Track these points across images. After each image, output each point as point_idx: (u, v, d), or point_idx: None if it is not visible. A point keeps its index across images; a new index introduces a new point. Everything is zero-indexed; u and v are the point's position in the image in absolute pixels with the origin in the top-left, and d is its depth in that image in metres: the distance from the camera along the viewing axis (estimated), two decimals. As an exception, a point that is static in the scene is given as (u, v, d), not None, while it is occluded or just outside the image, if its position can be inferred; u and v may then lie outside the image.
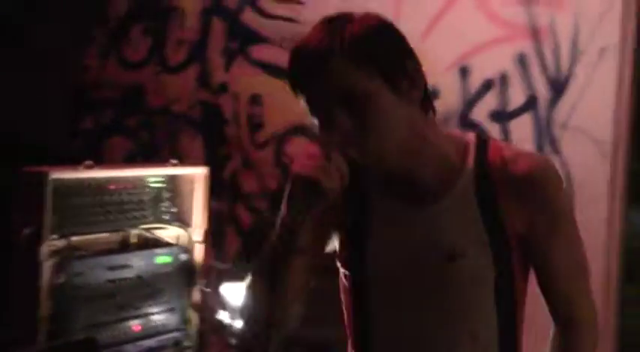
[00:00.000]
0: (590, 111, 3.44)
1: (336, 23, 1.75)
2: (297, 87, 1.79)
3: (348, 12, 1.80)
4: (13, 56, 4.30)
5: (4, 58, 4.27)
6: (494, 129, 3.59)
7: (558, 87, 3.50)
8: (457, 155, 1.83)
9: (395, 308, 1.88)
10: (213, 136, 4.12)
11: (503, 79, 3.59)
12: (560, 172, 1.88)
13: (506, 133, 3.59)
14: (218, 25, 4.10)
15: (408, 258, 1.84)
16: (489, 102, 3.61)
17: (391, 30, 1.78)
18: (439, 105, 3.54)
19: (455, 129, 1.84)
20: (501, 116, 3.60)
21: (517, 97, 3.57)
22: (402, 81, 1.74)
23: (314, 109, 1.77)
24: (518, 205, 1.79)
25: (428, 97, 1.83)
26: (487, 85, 3.60)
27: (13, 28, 4.34)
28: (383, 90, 1.72)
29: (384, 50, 1.73)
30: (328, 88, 1.72)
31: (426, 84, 1.82)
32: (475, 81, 3.64)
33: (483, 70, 3.61)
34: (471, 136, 1.88)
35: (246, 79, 4.06)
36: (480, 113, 3.63)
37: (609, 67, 3.41)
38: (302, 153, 1.78)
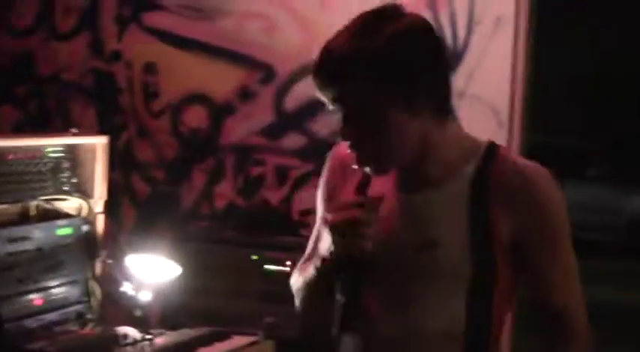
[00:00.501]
0: (486, 80, 3.53)
1: (366, 29, 1.76)
2: (315, 79, 1.80)
3: (387, 7, 1.80)
4: None
5: None
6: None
7: (455, 56, 3.57)
8: (462, 158, 1.87)
9: (377, 287, 1.92)
10: (107, 105, 4.04)
11: (402, 48, 3.62)
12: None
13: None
14: (109, -9, 4.01)
15: (388, 241, 1.88)
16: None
17: (419, 40, 1.79)
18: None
19: (471, 134, 1.92)
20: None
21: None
22: (419, 96, 1.77)
23: (333, 110, 1.81)
24: (511, 214, 1.84)
25: (447, 101, 1.85)
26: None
27: None
28: (397, 108, 1.76)
29: (406, 68, 1.76)
30: (344, 99, 1.77)
31: (446, 89, 1.84)
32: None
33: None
34: (484, 142, 1.90)
35: (140, 47, 3.99)
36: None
37: (504, 37, 3.50)
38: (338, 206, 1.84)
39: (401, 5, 1.81)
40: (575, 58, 12.36)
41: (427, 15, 3.54)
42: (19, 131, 4.11)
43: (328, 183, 2.01)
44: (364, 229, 1.79)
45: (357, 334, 1.93)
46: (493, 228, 1.84)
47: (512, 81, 3.50)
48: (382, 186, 1.89)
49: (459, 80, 3.55)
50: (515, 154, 2.01)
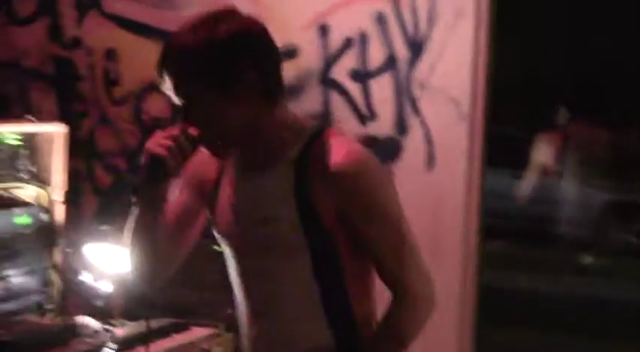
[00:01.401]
0: (448, 71, 3.53)
1: (200, 25, 2.08)
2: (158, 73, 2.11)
3: (215, 12, 2.11)
4: None
5: None
6: (354, 89, 3.64)
7: (417, 47, 3.57)
8: (289, 141, 2.13)
9: (235, 262, 2.26)
10: (67, 92, 4.00)
11: (363, 38, 3.63)
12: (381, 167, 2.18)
13: (366, 93, 3.64)
14: (70, -24, 3.96)
15: (232, 220, 2.20)
16: (349, 61, 3.64)
17: (244, 39, 2.08)
18: (298, 63, 3.60)
19: (302, 116, 2.24)
20: (361, 75, 3.64)
21: (377, 57, 3.62)
22: (238, 87, 2.06)
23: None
24: (330, 194, 2.08)
25: (274, 89, 2.12)
26: (347, 44, 3.63)
27: None
28: (215, 96, 2.06)
29: (226, 64, 2.05)
30: (176, 87, 2.07)
31: (272, 78, 2.12)
32: (334, 39, 3.66)
33: (343, 28, 3.64)
34: (310, 124, 2.19)
35: (101, 33, 3.95)
36: (340, 72, 3.66)
37: (466, 28, 3.50)
38: (159, 132, 2.10)
39: (235, 9, 2.13)
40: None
41: (388, 6, 3.55)
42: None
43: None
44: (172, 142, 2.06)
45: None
46: (319, 207, 2.08)
47: (474, 73, 3.51)
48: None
49: (420, 72, 3.55)
50: (341, 138, 2.16)
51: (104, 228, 3.47)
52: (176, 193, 2.27)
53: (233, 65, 2.06)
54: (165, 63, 2.07)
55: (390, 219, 2.14)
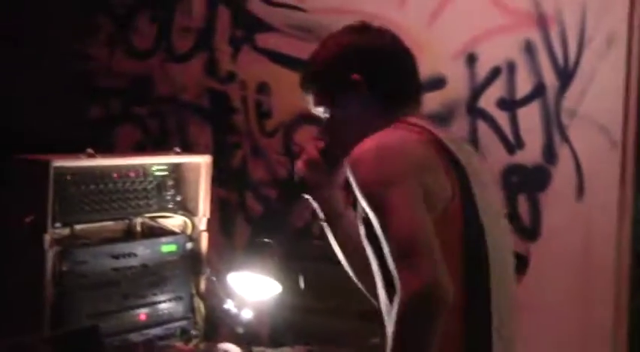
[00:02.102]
0: (598, 98, 3.42)
1: (324, 42, 2.25)
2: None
3: (344, 27, 2.26)
4: (13, 46, 4.32)
5: (4, 48, 4.30)
6: (502, 118, 3.57)
7: (566, 75, 3.48)
8: None
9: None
10: (222, 125, 4.12)
11: (511, 67, 3.56)
12: (377, 154, 2.05)
13: (514, 122, 3.57)
14: (224, 13, 4.09)
15: None
16: (497, 90, 3.59)
17: (351, 52, 2.19)
18: (445, 93, 3.58)
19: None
20: (509, 104, 3.58)
21: (525, 85, 3.55)
22: (346, 98, 2.18)
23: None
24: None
25: (393, 101, 2.20)
26: (494, 73, 3.58)
27: (12, 19, 4.36)
28: (331, 107, 2.21)
29: (333, 75, 2.19)
30: (316, 103, 2.24)
31: (393, 88, 2.21)
32: (482, 69, 3.61)
33: (490, 57, 3.59)
34: None
35: (254, 68, 4.05)
36: (488, 101, 3.61)
37: (617, 54, 3.38)
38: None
39: (366, 23, 2.25)
40: None
41: (537, 35, 3.48)
42: (140, 150, 4.23)
43: None
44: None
45: None
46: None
47: (625, 100, 3.38)
48: None
49: (569, 100, 3.46)
50: (379, 133, 2.11)
51: (255, 256, 3.55)
52: None
53: (342, 76, 2.17)
54: (302, 78, 2.27)
55: (383, 213, 2.00)
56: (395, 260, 1.96)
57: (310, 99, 2.25)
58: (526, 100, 3.55)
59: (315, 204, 2.36)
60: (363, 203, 2.06)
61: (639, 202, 3.44)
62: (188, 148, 3.82)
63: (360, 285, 2.38)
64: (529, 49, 3.52)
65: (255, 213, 4.09)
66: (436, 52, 3.59)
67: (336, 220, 2.33)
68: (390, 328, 2.00)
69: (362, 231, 2.14)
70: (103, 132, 4.29)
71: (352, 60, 2.18)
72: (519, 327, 2.21)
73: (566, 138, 3.48)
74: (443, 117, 3.62)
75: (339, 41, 2.21)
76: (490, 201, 2.17)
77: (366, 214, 2.06)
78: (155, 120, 4.27)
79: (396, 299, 1.95)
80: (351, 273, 2.39)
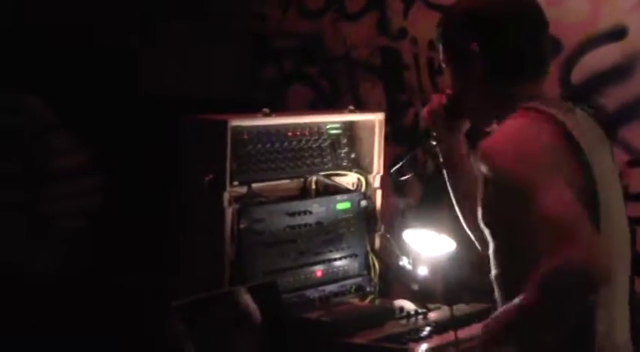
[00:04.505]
0: None
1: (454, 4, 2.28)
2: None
3: None
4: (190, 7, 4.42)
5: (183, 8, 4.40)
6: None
7: None
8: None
9: None
10: (393, 83, 4.09)
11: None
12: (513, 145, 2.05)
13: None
14: (395, -30, 4.05)
15: None
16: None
17: (473, 15, 2.19)
18: (626, 44, 3.43)
19: (551, 97, 2.27)
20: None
21: None
22: (463, 59, 2.19)
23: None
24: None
25: (513, 66, 2.18)
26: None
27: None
28: (451, 64, 2.25)
29: (453, 35, 2.23)
30: (442, 45, 2.28)
31: (528, 51, 2.19)
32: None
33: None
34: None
35: (425, 24, 3.99)
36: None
37: None
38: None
39: None
40: None
41: None
42: (313, 109, 4.27)
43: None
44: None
45: None
46: None
47: None
48: None
49: None
50: (511, 121, 2.12)
51: (428, 212, 3.54)
52: None
53: (461, 38, 2.19)
54: (440, 27, 2.30)
55: (528, 191, 1.97)
56: (552, 239, 1.90)
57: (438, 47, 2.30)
58: None
59: (437, 149, 2.47)
60: (494, 188, 2.07)
61: None
62: (360, 107, 3.80)
63: (469, 233, 2.45)
64: None
65: (427, 169, 4.05)
66: (616, 2, 3.44)
67: (455, 165, 2.42)
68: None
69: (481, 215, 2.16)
70: (276, 93, 4.34)
71: (471, 29, 2.18)
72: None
73: None
74: (623, 69, 3.48)
75: (464, 5, 2.24)
76: (611, 203, 2.13)
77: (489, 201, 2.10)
78: (327, 80, 4.29)
79: (543, 270, 1.89)
80: (461, 219, 2.46)
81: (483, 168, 2.08)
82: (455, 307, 3.16)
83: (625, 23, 3.45)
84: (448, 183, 2.46)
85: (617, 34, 3.47)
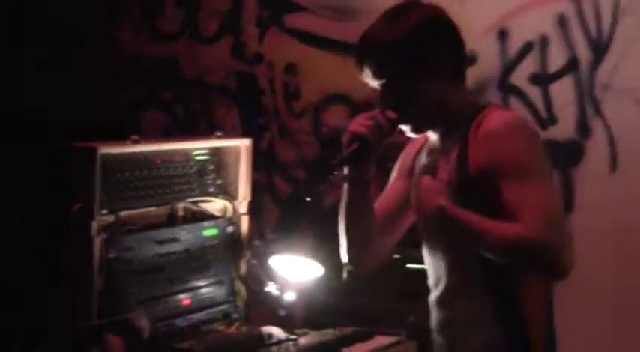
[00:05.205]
0: (632, 72, 3.42)
1: (393, 18, 2.27)
2: (357, 65, 2.31)
3: (401, 5, 2.31)
4: (37, 32, 4.29)
5: (30, 32, 4.27)
6: (534, 93, 3.57)
7: (599, 48, 3.47)
8: (465, 118, 2.26)
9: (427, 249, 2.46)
10: (249, 106, 4.10)
11: (543, 42, 3.56)
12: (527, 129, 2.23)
13: (547, 97, 3.56)
14: (251, -6, 4.07)
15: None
16: (529, 65, 3.58)
17: (437, 24, 2.27)
18: (477, 70, 3.57)
19: (477, 97, 2.53)
20: (542, 79, 3.57)
21: (557, 60, 3.55)
22: (436, 67, 2.24)
23: (370, 84, 2.30)
24: (482, 156, 2.18)
25: (461, 67, 2.33)
26: (526, 48, 3.57)
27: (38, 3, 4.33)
28: (419, 77, 2.24)
29: (425, 48, 2.24)
30: (373, 73, 2.26)
31: (460, 56, 2.32)
32: (514, 44, 3.61)
33: (522, 32, 3.58)
34: (481, 102, 2.39)
35: (281, 49, 4.04)
36: (520, 77, 3.60)
37: (651, 26, 3.38)
38: (361, 115, 2.32)
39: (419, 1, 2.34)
40: None
41: (570, 8, 3.47)
42: (167, 135, 4.22)
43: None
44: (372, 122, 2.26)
45: None
46: (473, 171, 2.21)
47: (660, 72, 3.38)
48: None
49: (603, 74, 3.46)
50: (500, 110, 2.30)
51: (285, 238, 3.55)
52: (390, 182, 2.50)
53: (429, 49, 2.23)
54: (366, 55, 2.27)
55: (531, 176, 2.14)
56: (540, 218, 2.07)
57: (380, 70, 2.26)
58: (559, 75, 3.56)
59: (356, 165, 2.33)
60: (498, 167, 2.14)
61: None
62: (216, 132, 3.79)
63: (347, 257, 2.45)
64: (562, 22, 3.51)
65: (283, 194, 4.08)
66: (467, 28, 3.53)
67: (366, 184, 2.35)
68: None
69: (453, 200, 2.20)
70: (131, 118, 4.27)
71: (437, 33, 2.26)
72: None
73: (599, 113, 3.48)
74: (475, 94, 3.61)
75: (421, 16, 2.26)
76: None
77: (474, 184, 2.18)
78: (181, 104, 4.25)
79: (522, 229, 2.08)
80: (345, 244, 2.44)
81: (489, 148, 2.16)
82: (323, 331, 3.20)
83: (475, 49, 3.59)
84: (347, 205, 2.39)
85: (468, 60, 3.60)
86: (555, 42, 3.53)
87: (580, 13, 3.48)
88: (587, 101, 3.50)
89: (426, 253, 2.42)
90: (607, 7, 3.43)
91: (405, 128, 2.32)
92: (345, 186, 2.37)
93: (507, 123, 2.21)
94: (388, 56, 2.24)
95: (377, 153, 2.30)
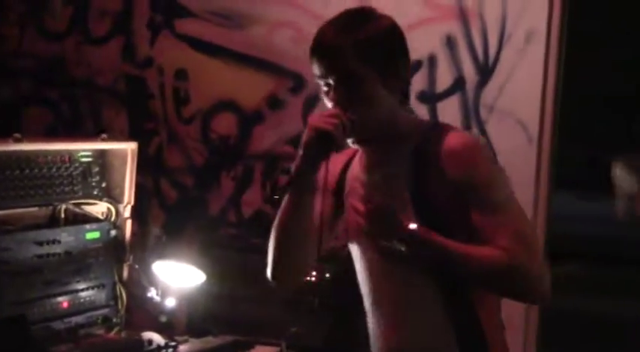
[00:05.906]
0: (517, 94, 3.51)
1: (356, 20, 2.20)
2: (312, 58, 2.19)
3: (367, 8, 2.26)
4: None
5: None
6: (422, 111, 3.63)
7: (486, 69, 3.56)
8: (411, 136, 2.23)
9: (364, 263, 2.37)
10: (138, 110, 4.06)
11: (432, 61, 3.63)
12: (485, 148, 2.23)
13: (434, 114, 3.63)
14: (143, -4, 4.03)
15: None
16: (417, 83, 3.64)
17: (394, 34, 2.22)
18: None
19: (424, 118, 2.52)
20: (429, 97, 3.64)
21: (445, 79, 3.62)
22: (392, 77, 2.19)
23: (321, 78, 2.19)
24: (443, 177, 2.13)
25: (407, 88, 2.27)
26: (415, 66, 3.63)
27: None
28: (375, 81, 2.17)
29: (384, 54, 2.18)
30: (335, 68, 2.16)
31: (408, 77, 2.27)
32: (403, 62, 3.66)
33: (411, 51, 3.62)
34: (428, 121, 2.42)
35: (172, 53, 4.01)
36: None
37: (536, 50, 3.48)
38: (322, 112, 2.19)
39: (374, 9, 2.25)
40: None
41: (458, 29, 3.55)
42: (51, 134, 4.14)
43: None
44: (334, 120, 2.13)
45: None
46: (430, 192, 2.16)
47: (543, 95, 3.48)
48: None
49: (488, 95, 3.54)
50: (457, 130, 2.25)
51: (171, 243, 3.53)
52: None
53: (396, 51, 2.21)
54: (332, 46, 2.15)
55: (496, 193, 2.15)
56: (516, 237, 2.09)
57: (339, 71, 2.15)
58: (446, 94, 3.63)
59: (312, 165, 2.18)
60: (474, 180, 2.12)
61: (553, 200, 3.54)
62: (106, 133, 3.73)
63: (273, 268, 2.29)
64: (450, 43, 3.59)
65: (170, 200, 4.05)
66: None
67: (312, 188, 2.21)
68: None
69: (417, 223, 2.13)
70: (11, 115, 4.17)
71: (400, 42, 2.23)
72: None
73: (484, 133, 3.55)
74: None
75: (388, 22, 2.22)
76: None
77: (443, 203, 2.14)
78: (67, 104, 4.18)
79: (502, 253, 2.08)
80: (274, 246, 2.25)
81: (452, 168, 2.12)
82: (203, 339, 3.19)
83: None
84: (288, 212, 2.22)
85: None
86: (443, 61, 3.61)
87: (468, 35, 3.56)
88: (473, 121, 3.58)
89: (366, 273, 2.32)
90: (493, 30, 3.52)
91: (350, 138, 2.21)
92: (287, 196, 2.22)
93: (470, 142, 2.18)
94: (358, 49, 2.13)
95: (339, 149, 2.21)
